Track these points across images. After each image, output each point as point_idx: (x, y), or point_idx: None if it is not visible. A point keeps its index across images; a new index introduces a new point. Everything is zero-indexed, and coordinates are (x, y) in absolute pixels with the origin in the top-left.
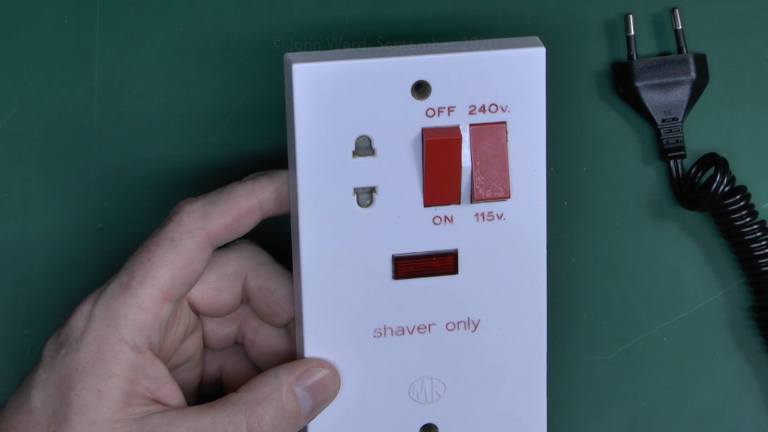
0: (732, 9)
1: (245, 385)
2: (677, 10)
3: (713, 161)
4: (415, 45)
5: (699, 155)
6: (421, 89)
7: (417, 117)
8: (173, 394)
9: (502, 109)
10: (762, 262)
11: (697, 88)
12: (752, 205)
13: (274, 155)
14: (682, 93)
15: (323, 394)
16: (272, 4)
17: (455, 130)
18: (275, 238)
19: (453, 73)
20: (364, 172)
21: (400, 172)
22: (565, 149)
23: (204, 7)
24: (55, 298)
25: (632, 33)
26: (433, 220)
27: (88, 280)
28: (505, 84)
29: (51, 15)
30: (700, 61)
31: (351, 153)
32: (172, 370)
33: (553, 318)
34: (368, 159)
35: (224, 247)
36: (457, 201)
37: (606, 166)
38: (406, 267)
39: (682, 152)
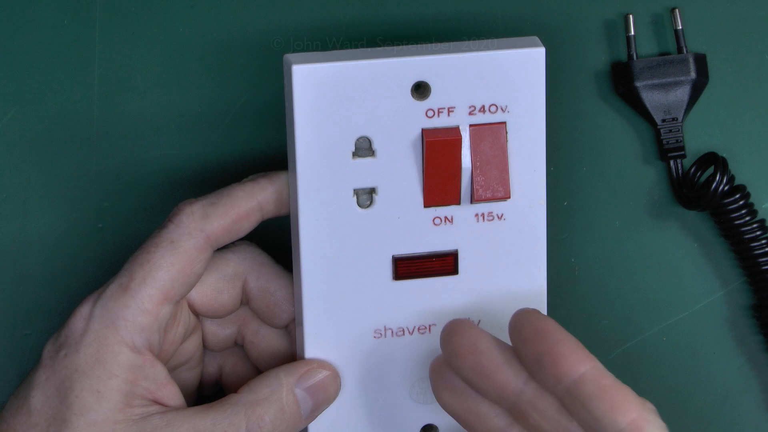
0: (732, 9)
1: (245, 385)
2: (677, 10)
3: (713, 161)
4: (414, 45)
5: (699, 155)
6: (420, 90)
7: (417, 118)
8: (173, 395)
9: (501, 109)
10: (762, 261)
11: (697, 88)
12: (752, 204)
13: (274, 156)
14: (682, 93)
15: (323, 395)
16: (272, 5)
17: (455, 131)
18: (275, 240)
19: (453, 73)
20: (364, 172)
21: (400, 172)
22: (565, 149)
23: (204, 7)
24: (55, 298)
25: (632, 33)
26: (433, 220)
27: (88, 280)
28: (505, 84)
29: (51, 15)
30: (700, 61)
31: (351, 154)
32: (172, 371)
33: (553, 318)
34: (368, 160)
35: (224, 248)
36: (457, 201)
37: (606, 166)
38: (407, 267)
39: (682, 152)
